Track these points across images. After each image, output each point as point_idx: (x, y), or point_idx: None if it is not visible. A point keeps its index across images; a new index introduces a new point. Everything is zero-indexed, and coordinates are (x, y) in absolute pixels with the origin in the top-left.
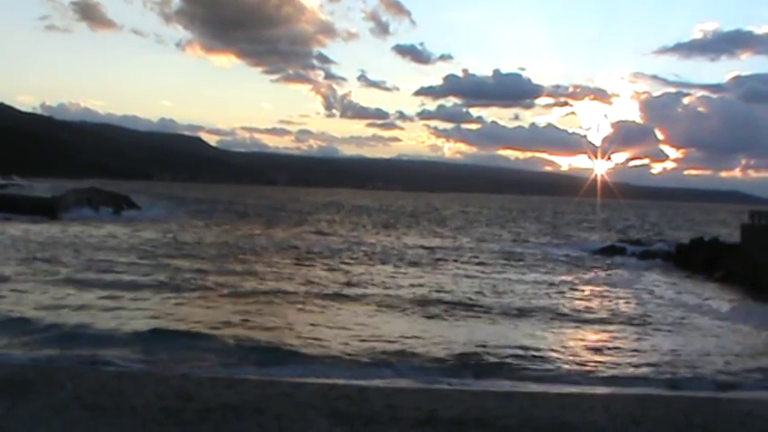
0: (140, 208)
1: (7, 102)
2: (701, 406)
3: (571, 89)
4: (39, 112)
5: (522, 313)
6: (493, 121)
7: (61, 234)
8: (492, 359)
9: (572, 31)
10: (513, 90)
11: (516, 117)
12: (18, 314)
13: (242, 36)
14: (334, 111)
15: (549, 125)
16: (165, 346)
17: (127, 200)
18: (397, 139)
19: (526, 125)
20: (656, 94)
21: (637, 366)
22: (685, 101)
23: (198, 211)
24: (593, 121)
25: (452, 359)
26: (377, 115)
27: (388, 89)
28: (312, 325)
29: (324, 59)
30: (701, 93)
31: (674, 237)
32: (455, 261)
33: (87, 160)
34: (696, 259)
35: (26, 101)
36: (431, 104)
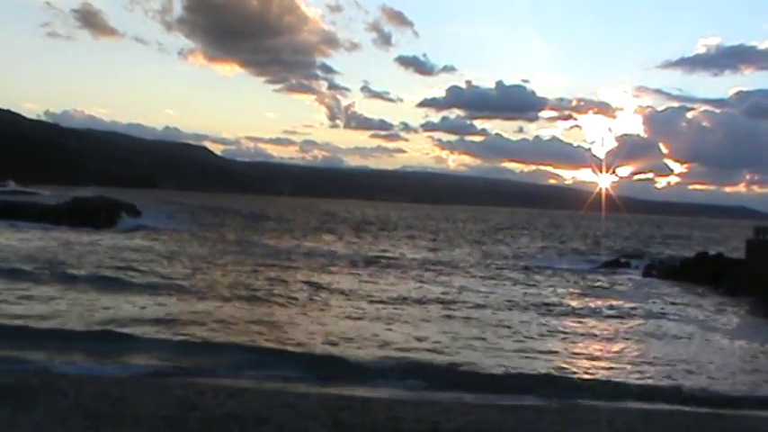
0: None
1: (13, 109)
2: (705, 421)
3: (575, 102)
4: (43, 119)
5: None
6: (497, 134)
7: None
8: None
9: (575, 45)
10: (517, 102)
11: (520, 129)
12: None
13: (244, 45)
14: (338, 121)
15: (554, 138)
16: None
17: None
18: (401, 151)
19: (530, 138)
20: (659, 108)
21: (643, 380)
22: (689, 115)
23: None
24: (597, 135)
25: None
26: (381, 126)
27: (391, 100)
28: None
29: (327, 69)
30: (704, 107)
31: (679, 251)
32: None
33: (93, 168)
34: (701, 274)
35: (30, 108)
36: (434, 116)
